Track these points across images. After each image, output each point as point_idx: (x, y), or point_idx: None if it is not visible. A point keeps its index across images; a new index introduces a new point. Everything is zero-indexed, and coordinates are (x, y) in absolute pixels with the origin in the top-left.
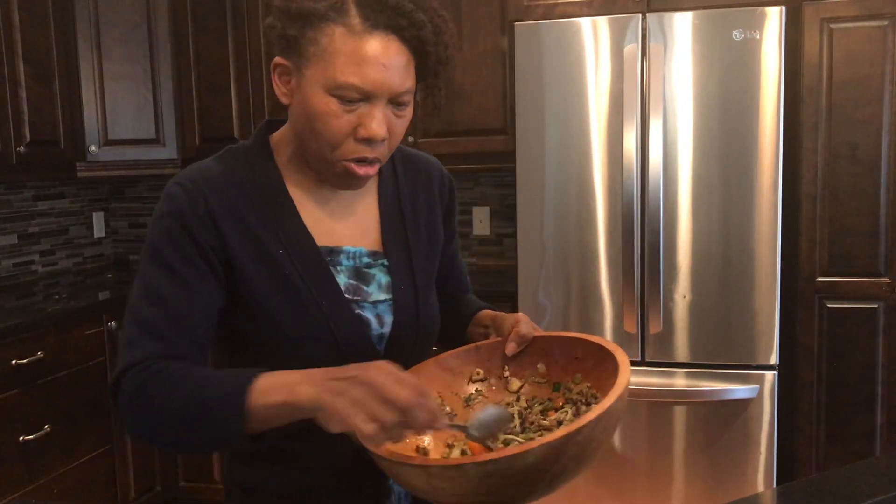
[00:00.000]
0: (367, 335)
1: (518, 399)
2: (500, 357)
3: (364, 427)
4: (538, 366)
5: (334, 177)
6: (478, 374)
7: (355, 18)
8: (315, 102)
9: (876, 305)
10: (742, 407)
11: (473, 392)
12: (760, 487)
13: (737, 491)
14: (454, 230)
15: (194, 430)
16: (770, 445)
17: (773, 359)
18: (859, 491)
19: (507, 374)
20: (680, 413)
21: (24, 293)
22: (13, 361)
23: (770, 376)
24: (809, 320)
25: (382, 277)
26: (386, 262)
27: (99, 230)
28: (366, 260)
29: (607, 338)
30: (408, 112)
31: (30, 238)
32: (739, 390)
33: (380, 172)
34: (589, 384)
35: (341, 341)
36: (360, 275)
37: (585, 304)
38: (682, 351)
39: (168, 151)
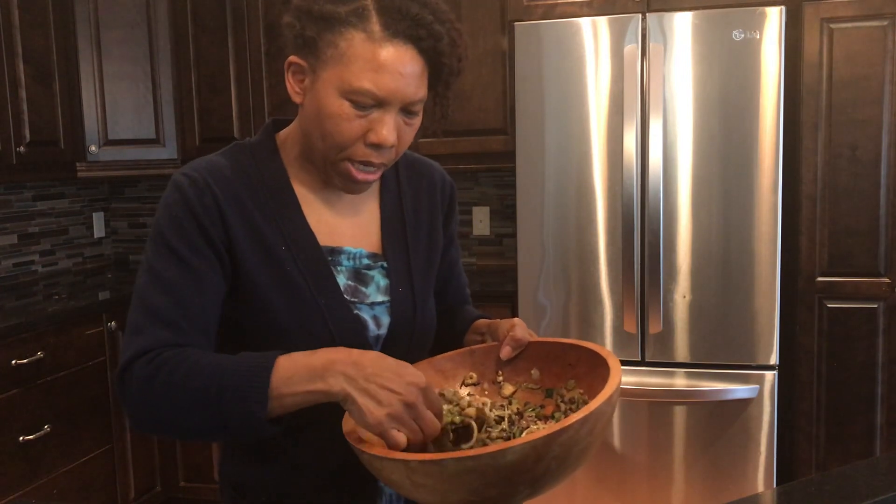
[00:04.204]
0: (364, 336)
1: (510, 403)
2: (494, 361)
3: (398, 439)
4: (532, 371)
5: (336, 177)
6: (471, 377)
7: (376, 25)
8: (328, 104)
9: (876, 305)
10: (742, 407)
11: (466, 396)
12: (760, 487)
13: (737, 491)
14: (453, 235)
15: (213, 416)
16: (770, 445)
17: (773, 359)
18: (859, 491)
19: (500, 378)
20: (680, 413)
21: (24, 293)
22: (13, 361)
23: (770, 376)
24: (809, 320)
25: (381, 280)
26: (385, 265)
27: (99, 230)
28: (365, 261)
29: (607, 338)
30: (417, 121)
31: (30, 238)
32: (739, 390)
33: (383, 175)
34: (581, 391)
35: (338, 340)
36: (359, 276)
37: (585, 304)
38: (682, 351)
39: (168, 151)
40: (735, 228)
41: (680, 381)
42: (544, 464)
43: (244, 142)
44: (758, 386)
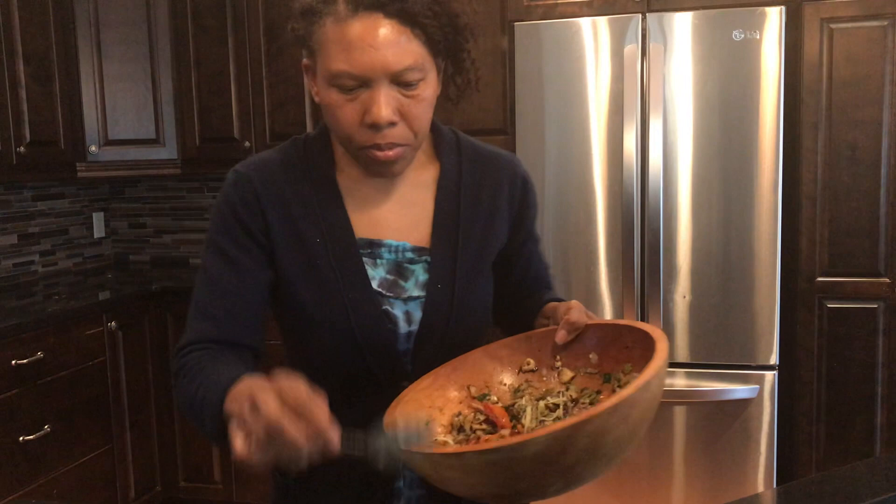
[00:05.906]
0: (389, 331)
1: (568, 390)
2: (551, 346)
3: (236, 444)
4: (590, 356)
5: (366, 167)
6: (528, 363)
7: (341, 6)
8: (323, 97)
9: (876, 305)
10: (742, 407)
11: (524, 383)
12: (760, 487)
13: (737, 491)
14: (530, 230)
15: (196, 421)
16: (770, 445)
17: (773, 359)
18: (859, 491)
19: (559, 364)
20: (680, 413)
21: (24, 293)
22: (13, 361)
23: (770, 376)
24: (809, 320)
25: (422, 274)
26: (429, 259)
27: (99, 230)
28: (409, 255)
29: None
30: (422, 91)
31: (30, 238)
32: (739, 390)
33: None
34: (637, 374)
35: (359, 335)
36: (399, 269)
37: (585, 304)
38: (682, 351)
39: (168, 151)
40: (735, 228)
41: (680, 382)
42: (573, 455)
43: (302, 135)
44: (758, 386)
